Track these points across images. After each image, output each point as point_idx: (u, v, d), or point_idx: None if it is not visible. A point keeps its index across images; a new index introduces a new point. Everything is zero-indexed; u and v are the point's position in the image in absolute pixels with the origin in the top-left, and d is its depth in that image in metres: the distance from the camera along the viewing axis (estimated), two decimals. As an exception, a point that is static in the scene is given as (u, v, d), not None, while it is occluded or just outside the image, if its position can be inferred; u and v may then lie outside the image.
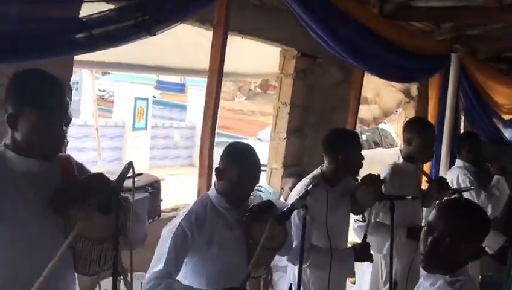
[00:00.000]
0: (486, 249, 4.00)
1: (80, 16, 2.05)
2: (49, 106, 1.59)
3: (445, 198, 3.14)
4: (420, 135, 3.16)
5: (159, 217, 3.12)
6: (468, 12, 4.37)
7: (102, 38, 2.00)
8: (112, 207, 1.55)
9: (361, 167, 2.72)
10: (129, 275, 1.60)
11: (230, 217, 2.09)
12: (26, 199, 1.60)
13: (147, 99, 12.80)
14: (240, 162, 2.05)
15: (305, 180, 2.69)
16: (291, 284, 2.21)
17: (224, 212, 2.09)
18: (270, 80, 5.44)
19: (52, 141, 1.63)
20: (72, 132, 10.49)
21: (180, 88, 20.12)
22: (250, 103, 23.04)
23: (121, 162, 11.85)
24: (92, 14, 1.98)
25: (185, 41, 3.94)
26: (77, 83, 13.96)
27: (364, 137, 10.61)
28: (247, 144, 2.27)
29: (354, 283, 3.78)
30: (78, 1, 2.03)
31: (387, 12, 4.22)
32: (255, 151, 2.12)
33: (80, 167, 1.80)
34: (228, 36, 3.12)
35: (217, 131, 3.24)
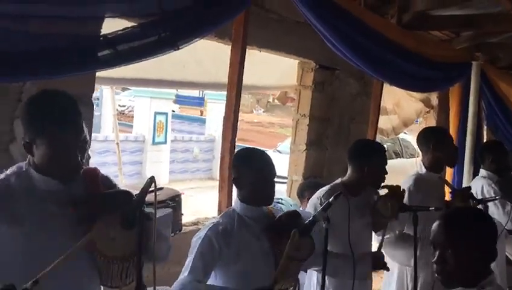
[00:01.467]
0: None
1: (106, 32, 2.09)
2: (61, 135, 1.59)
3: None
4: (436, 142, 3.14)
5: (180, 231, 3.12)
6: (488, 20, 4.33)
7: (127, 54, 2.04)
8: (136, 222, 1.57)
9: (383, 180, 2.72)
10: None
11: (258, 228, 2.09)
12: (51, 215, 1.62)
13: (166, 113, 12.92)
14: (251, 163, 2.08)
15: (325, 188, 2.69)
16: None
17: (252, 223, 2.10)
18: (288, 92, 5.44)
19: (68, 167, 1.65)
20: (93, 147, 10.64)
21: (199, 102, 20.26)
22: (268, 115, 23.07)
23: (141, 176, 11.94)
24: (117, 31, 2.02)
25: (204, 56, 3.98)
26: (98, 98, 14.19)
27: (384, 147, 10.49)
28: (250, 148, 2.34)
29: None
30: (100, 17, 2.07)
31: (406, 22, 4.21)
32: (260, 151, 2.18)
33: (106, 179, 1.81)
34: (246, 50, 3.16)
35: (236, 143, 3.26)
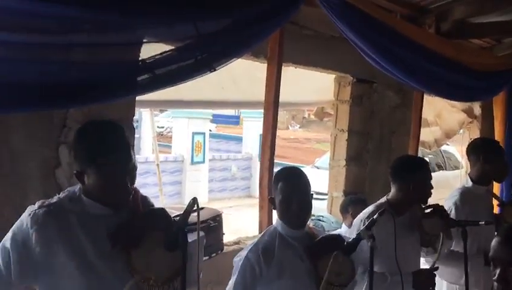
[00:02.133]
0: None
1: (142, 57, 2.14)
2: (111, 165, 1.61)
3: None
4: (487, 154, 3.02)
5: (221, 251, 3.12)
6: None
7: (165, 77, 2.07)
8: (178, 244, 1.56)
9: (430, 196, 2.63)
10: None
11: (301, 248, 2.06)
12: (100, 238, 1.64)
13: (203, 133, 13.08)
14: (281, 184, 2.05)
15: (370, 208, 2.62)
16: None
17: (294, 243, 2.06)
18: (325, 108, 5.40)
19: (119, 196, 1.67)
20: (134, 168, 10.92)
21: (235, 120, 20.42)
22: (304, 131, 22.99)
23: (181, 196, 12.07)
24: (155, 55, 2.05)
25: (240, 75, 4.01)
26: (137, 121, 14.53)
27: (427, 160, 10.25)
28: (290, 167, 2.29)
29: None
30: (139, 43, 2.11)
31: (444, 31, 4.11)
32: (296, 169, 2.15)
33: (145, 200, 1.83)
34: (282, 67, 3.16)
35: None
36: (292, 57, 3.49)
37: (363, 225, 2.21)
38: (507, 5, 3.90)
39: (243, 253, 2.04)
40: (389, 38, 3.26)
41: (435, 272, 2.61)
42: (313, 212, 5.29)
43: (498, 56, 4.94)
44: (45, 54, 1.86)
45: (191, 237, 1.65)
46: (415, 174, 2.60)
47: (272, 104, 3.11)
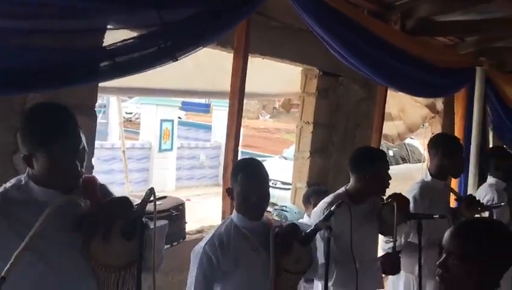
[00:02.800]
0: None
1: (105, 44, 2.11)
2: (59, 147, 1.60)
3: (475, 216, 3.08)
4: (446, 149, 3.11)
5: (183, 240, 3.13)
6: (492, 25, 4.31)
7: (127, 65, 2.05)
8: (136, 232, 1.58)
9: (388, 186, 2.69)
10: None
11: (256, 239, 2.08)
12: (51, 226, 1.62)
13: (172, 120, 12.98)
14: (240, 174, 2.06)
15: (328, 199, 2.67)
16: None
17: (249, 235, 2.08)
18: (292, 100, 5.44)
19: (68, 179, 1.66)
20: (99, 154, 10.75)
21: (205, 108, 20.34)
22: (274, 121, 23.09)
23: (147, 183, 11.97)
24: (116, 42, 2.02)
25: (208, 64, 3.99)
26: (104, 106, 14.28)
27: (391, 153, 10.47)
28: (249, 158, 2.31)
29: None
30: (102, 30, 2.08)
31: (409, 28, 4.20)
32: (256, 162, 2.14)
33: (104, 189, 1.82)
34: (249, 57, 3.16)
35: (242, 150, 3.26)
36: (259, 48, 3.49)
37: (323, 215, 2.26)
38: (470, 5, 4.00)
39: (199, 247, 2.05)
40: (356, 33, 3.30)
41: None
42: (277, 202, 5.35)
43: (461, 54, 5.07)
44: (5, 39, 1.82)
45: (157, 224, 1.67)
46: (373, 165, 2.65)
47: (238, 93, 3.12)
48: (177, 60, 2.10)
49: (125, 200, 1.73)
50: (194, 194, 11.83)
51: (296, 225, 2.17)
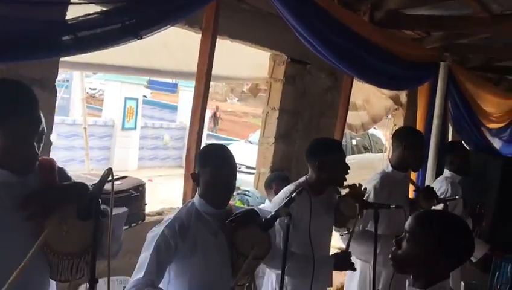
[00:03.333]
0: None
1: (67, 18, 2.03)
2: (17, 126, 1.55)
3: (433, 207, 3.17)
4: (409, 143, 3.18)
5: (143, 221, 3.10)
6: (457, 22, 4.39)
7: (89, 41, 1.98)
8: (91, 213, 1.54)
9: (344, 178, 2.69)
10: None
11: (215, 224, 2.07)
12: (4, 208, 1.57)
13: (137, 99, 12.74)
14: (210, 163, 2.03)
15: (290, 187, 2.68)
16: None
17: (209, 219, 2.07)
18: (260, 84, 5.43)
19: (23, 159, 1.60)
20: (60, 130, 10.47)
21: (172, 89, 20.05)
22: (242, 105, 23.03)
23: (109, 162, 11.77)
24: (79, 17, 1.96)
25: (176, 44, 3.93)
26: (67, 81, 13.87)
27: (354, 142, 10.64)
28: (219, 145, 2.28)
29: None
30: (65, 3, 2.01)
31: (378, 19, 4.23)
32: (226, 151, 2.10)
33: (62, 172, 1.77)
34: (218, 39, 3.12)
35: (208, 132, 3.24)
36: (228, 30, 3.45)
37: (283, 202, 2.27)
38: (438, 0, 4.08)
39: (159, 229, 2.02)
40: (324, 21, 3.30)
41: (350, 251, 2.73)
42: (241, 186, 5.32)
43: (426, 48, 5.16)
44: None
45: (115, 211, 1.63)
46: (326, 156, 2.63)
47: (204, 75, 3.07)
48: (141, 38, 2.05)
49: (81, 184, 1.69)
50: (156, 175, 11.72)
51: (254, 209, 2.17)
